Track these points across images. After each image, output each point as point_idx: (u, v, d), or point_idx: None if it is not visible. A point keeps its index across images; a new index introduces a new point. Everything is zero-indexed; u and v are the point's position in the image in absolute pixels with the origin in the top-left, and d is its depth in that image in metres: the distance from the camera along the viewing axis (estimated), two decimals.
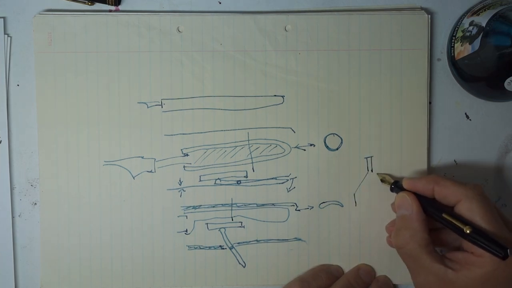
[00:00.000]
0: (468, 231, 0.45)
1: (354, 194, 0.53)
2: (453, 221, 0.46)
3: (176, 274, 0.53)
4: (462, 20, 0.51)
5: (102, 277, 0.53)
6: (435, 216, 0.48)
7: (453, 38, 0.51)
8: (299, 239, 0.53)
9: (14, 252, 0.53)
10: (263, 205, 0.53)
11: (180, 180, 0.53)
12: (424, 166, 0.53)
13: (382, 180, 0.52)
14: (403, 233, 0.48)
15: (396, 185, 0.51)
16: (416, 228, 0.48)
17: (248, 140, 0.53)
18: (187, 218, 0.53)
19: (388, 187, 0.52)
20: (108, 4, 0.53)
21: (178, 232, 0.53)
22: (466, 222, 0.46)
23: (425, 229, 0.48)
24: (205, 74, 0.53)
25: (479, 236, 0.45)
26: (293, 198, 0.53)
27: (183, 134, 0.53)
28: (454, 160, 0.54)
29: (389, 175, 0.53)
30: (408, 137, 0.53)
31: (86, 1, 0.53)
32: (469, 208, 0.46)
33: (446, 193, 0.48)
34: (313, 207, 0.53)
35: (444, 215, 0.47)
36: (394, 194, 0.52)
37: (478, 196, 0.47)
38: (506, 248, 0.44)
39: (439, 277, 0.46)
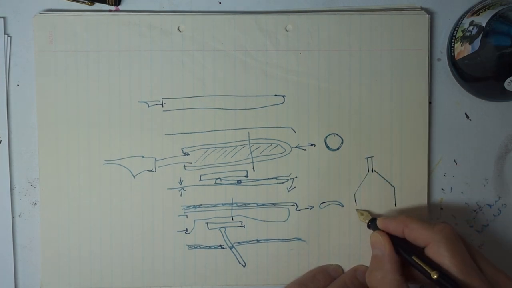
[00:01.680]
0: (435, 276, 0.45)
1: (354, 194, 0.53)
2: (422, 264, 0.46)
3: (176, 274, 0.53)
4: (462, 20, 0.51)
5: (102, 277, 0.53)
6: (406, 258, 0.48)
7: (453, 38, 0.52)
8: (299, 239, 0.53)
9: (14, 252, 0.53)
10: (263, 204, 0.53)
11: (180, 180, 0.53)
12: (424, 166, 0.53)
13: (361, 217, 0.52)
14: (375, 274, 0.48)
15: (373, 223, 0.51)
16: (388, 270, 0.48)
17: (249, 140, 0.53)
18: (187, 217, 0.53)
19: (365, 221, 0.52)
20: (108, 4, 0.52)
21: (178, 231, 0.53)
22: (434, 266, 0.46)
23: (397, 270, 0.48)
24: (205, 74, 0.53)
25: (445, 282, 0.45)
26: (293, 198, 0.53)
27: (184, 133, 0.53)
28: (454, 160, 0.54)
29: (368, 211, 0.53)
30: (408, 137, 0.53)
31: (86, 1, 0.53)
32: (437, 252, 0.46)
33: (414, 236, 0.48)
34: (313, 207, 0.53)
35: (413, 258, 0.47)
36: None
37: (445, 240, 0.46)
38: None
39: None
